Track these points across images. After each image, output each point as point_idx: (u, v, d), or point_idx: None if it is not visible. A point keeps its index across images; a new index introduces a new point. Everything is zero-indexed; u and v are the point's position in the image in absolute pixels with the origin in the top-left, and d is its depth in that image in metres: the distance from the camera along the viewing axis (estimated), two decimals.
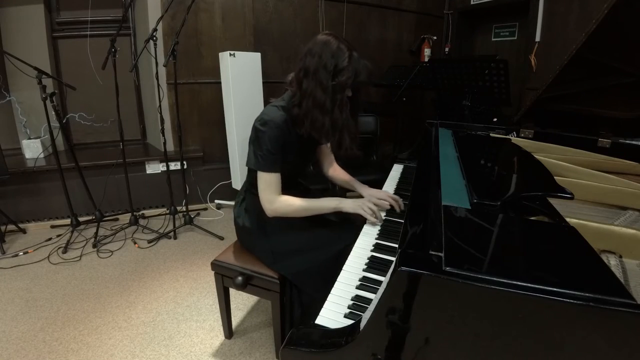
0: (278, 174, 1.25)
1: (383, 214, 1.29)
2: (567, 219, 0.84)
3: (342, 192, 2.59)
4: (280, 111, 1.24)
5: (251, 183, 1.36)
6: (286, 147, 1.25)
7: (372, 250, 1.09)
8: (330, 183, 1.76)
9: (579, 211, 1.06)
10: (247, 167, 1.36)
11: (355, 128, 1.28)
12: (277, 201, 1.26)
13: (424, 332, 0.63)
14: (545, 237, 0.75)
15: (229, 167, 3.06)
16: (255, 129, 1.24)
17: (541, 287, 0.54)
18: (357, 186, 1.48)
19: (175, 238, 2.58)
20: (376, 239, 1.16)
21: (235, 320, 1.73)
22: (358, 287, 0.93)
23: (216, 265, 1.44)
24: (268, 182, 1.24)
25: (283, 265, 1.31)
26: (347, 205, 1.27)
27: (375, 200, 1.32)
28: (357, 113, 1.31)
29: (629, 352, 0.52)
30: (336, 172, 1.57)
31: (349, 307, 0.86)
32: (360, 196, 1.43)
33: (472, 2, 3.55)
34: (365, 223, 1.25)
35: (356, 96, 1.25)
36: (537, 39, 2.92)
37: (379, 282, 0.92)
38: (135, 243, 2.47)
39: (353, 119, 1.27)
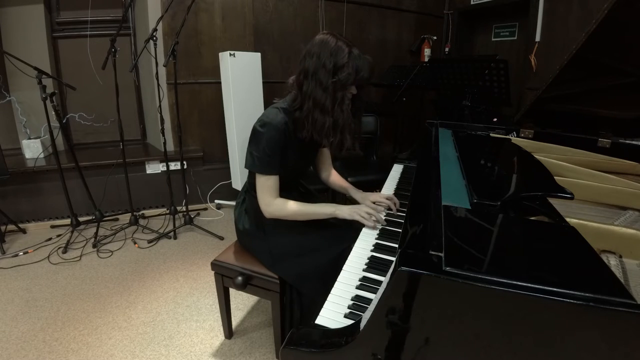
0: (275, 176, 1.24)
1: (383, 214, 1.28)
2: (567, 219, 0.83)
3: (341, 193, 2.58)
4: (281, 113, 1.22)
5: (251, 184, 1.36)
6: (286, 151, 1.24)
7: (372, 250, 1.09)
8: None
9: (579, 211, 1.06)
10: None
11: (357, 127, 1.27)
12: (274, 204, 1.26)
13: (424, 332, 0.63)
14: (545, 237, 0.75)
15: (229, 167, 3.06)
16: (254, 130, 1.22)
17: (541, 287, 0.54)
18: (352, 191, 1.48)
19: (175, 238, 2.58)
20: (376, 239, 1.16)
21: (235, 320, 1.73)
22: (358, 287, 0.93)
23: (216, 265, 1.44)
24: (265, 185, 1.24)
25: (282, 267, 1.30)
26: (343, 211, 1.25)
27: (370, 203, 1.31)
28: (360, 111, 1.29)
29: (629, 352, 0.52)
30: (333, 177, 1.57)
31: (349, 307, 0.86)
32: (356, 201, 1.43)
33: (472, 2, 3.55)
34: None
35: (359, 94, 1.24)
36: (537, 39, 2.92)
37: (379, 282, 0.92)
38: (135, 243, 2.47)
39: (356, 117, 1.26)
